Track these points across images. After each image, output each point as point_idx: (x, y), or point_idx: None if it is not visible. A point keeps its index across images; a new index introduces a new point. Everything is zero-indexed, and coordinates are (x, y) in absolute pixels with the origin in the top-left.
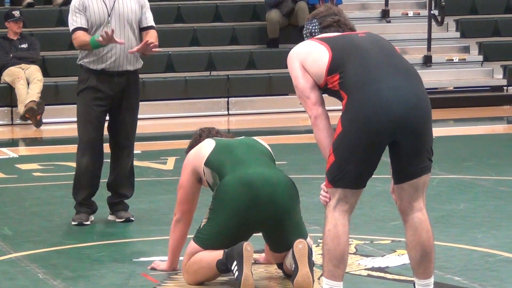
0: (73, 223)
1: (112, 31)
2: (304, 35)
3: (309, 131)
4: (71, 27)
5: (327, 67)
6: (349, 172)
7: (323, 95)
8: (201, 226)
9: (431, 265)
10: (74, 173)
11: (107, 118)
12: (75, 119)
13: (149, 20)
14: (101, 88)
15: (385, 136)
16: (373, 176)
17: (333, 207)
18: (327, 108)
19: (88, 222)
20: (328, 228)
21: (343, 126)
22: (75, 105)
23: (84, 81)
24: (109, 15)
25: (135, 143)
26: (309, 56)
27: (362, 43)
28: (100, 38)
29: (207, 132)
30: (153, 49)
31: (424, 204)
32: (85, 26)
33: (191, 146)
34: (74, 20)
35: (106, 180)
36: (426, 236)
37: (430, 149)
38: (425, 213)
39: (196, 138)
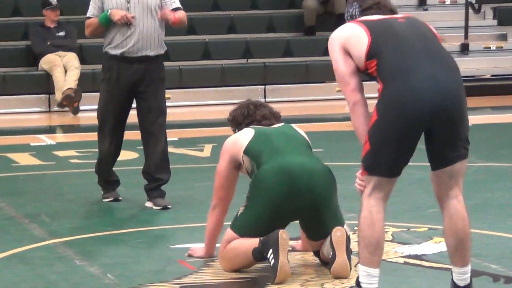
0: (107, 200)
1: (133, 17)
2: (346, 19)
3: (346, 119)
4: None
5: (366, 51)
6: (384, 161)
7: (363, 82)
8: (238, 213)
9: (467, 253)
10: None
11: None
12: None
13: (173, 3)
14: (121, 77)
15: (419, 125)
16: (410, 164)
17: (368, 194)
18: (366, 95)
19: (121, 198)
20: (363, 215)
21: (378, 114)
22: None
23: (106, 70)
24: (128, 3)
25: (172, 130)
26: (351, 38)
27: (400, 29)
28: (114, 16)
29: (253, 112)
30: (172, 15)
31: (461, 191)
32: (97, 15)
33: (234, 118)
34: (89, 10)
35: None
36: (461, 224)
37: (465, 138)
38: (461, 200)
39: (244, 114)
